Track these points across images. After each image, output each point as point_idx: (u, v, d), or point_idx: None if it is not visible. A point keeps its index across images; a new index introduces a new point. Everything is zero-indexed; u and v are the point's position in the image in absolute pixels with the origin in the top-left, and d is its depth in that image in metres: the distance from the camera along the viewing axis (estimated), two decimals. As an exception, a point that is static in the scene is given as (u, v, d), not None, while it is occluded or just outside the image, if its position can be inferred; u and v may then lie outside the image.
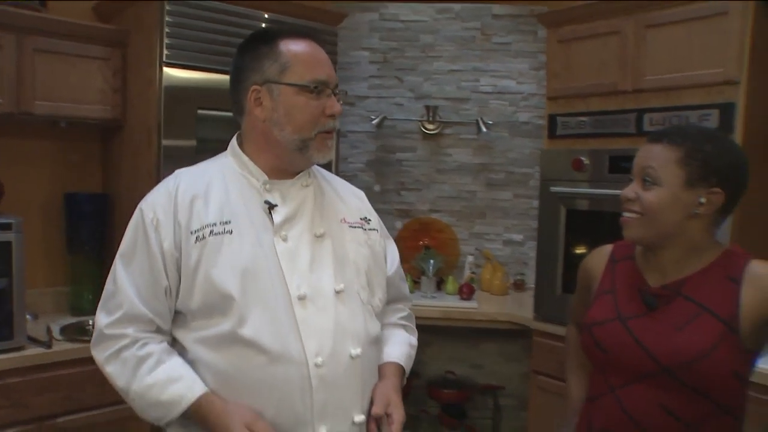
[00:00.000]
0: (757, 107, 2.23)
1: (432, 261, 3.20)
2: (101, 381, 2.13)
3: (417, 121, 3.47)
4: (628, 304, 1.30)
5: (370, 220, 1.41)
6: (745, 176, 1.26)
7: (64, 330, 2.25)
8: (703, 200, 1.22)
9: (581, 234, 2.63)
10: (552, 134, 2.72)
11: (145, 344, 1.20)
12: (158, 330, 1.23)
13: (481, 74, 3.45)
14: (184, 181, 1.27)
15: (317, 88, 1.24)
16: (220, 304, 1.19)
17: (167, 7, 2.23)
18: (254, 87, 1.25)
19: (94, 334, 1.26)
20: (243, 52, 1.30)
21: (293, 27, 1.33)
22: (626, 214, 1.28)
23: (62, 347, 2.13)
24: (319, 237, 1.28)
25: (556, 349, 2.64)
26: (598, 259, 1.46)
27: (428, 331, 2.96)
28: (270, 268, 1.21)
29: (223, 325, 1.18)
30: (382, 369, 1.35)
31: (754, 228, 2.29)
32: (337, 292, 1.25)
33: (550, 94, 2.74)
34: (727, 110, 2.18)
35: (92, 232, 2.51)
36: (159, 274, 1.21)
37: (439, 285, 3.32)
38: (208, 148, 2.41)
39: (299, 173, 1.31)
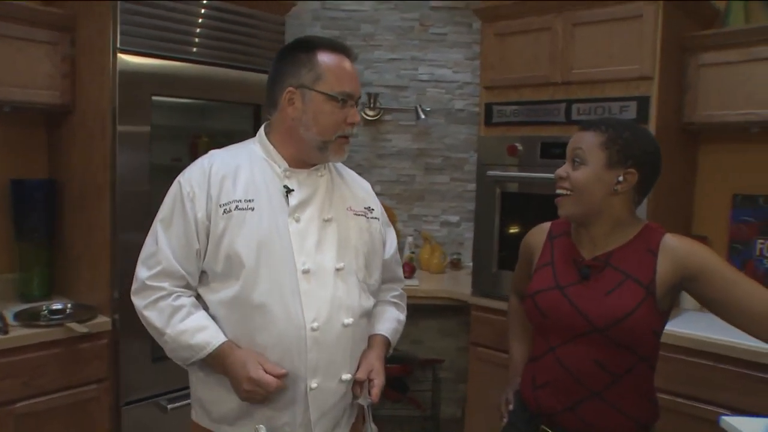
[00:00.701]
0: (667, 100, 2.50)
1: (376, 242, 3.35)
2: (60, 365, 2.21)
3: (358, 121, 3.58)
4: (565, 274, 1.50)
5: (373, 209, 1.60)
6: (658, 161, 1.47)
7: (18, 316, 2.25)
8: (620, 179, 1.42)
9: (515, 215, 2.85)
10: (488, 122, 2.91)
11: (178, 297, 1.41)
12: (188, 286, 1.43)
13: (419, 63, 3.61)
14: (217, 161, 1.45)
15: (343, 100, 1.42)
16: (236, 268, 1.38)
17: (120, -7, 2.23)
18: (289, 89, 1.43)
19: (134, 285, 1.45)
20: (284, 55, 1.47)
21: (332, 40, 1.47)
22: (559, 192, 1.47)
23: (19, 333, 2.14)
24: (327, 221, 1.46)
25: (494, 322, 2.86)
26: (538, 235, 1.65)
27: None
28: (282, 244, 1.40)
29: (237, 288, 1.38)
30: (370, 340, 1.56)
31: (666, 206, 2.57)
32: (337, 270, 1.45)
33: (486, 84, 2.92)
34: (643, 103, 2.43)
35: (41, 218, 2.50)
36: (192, 238, 1.41)
37: (381, 265, 3.47)
38: (163, 134, 2.48)
39: (315, 165, 1.49)
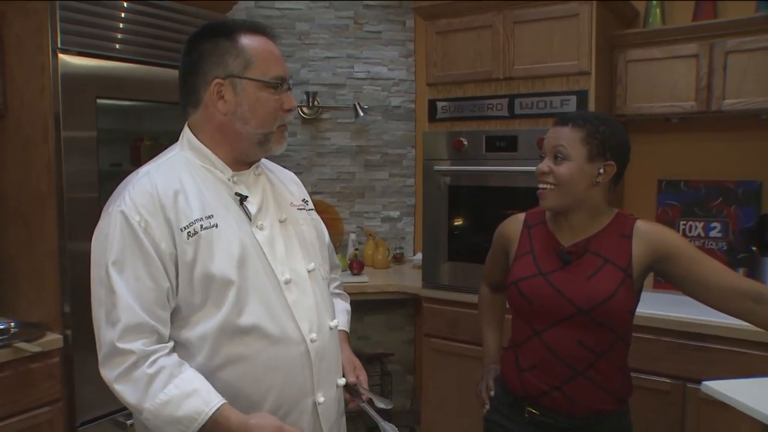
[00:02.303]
0: (602, 94, 2.68)
1: (321, 241, 3.34)
2: (7, 389, 2.06)
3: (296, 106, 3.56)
4: (546, 261, 1.58)
5: (307, 201, 1.52)
6: (629, 152, 1.58)
7: (-44, 339, 2.08)
8: (601, 171, 1.52)
9: (463, 207, 2.94)
10: (432, 117, 2.99)
11: (154, 361, 1.17)
12: (161, 338, 1.20)
13: (355, 61, 3.64)
14: (159, 179, 1.25)
15: (278, 85, 1.28)
16: (220, 292, 1.21)
17: (58, -9, 2.11)
18: (216, 80, 1.25)
19: (102, 351, 1.19)
20: (198, 44, 1.29)
21: (250, 21, 1.31)
22: (542, 186, 1.54)
23: (-37, 356, 1.98)
24: (283, 222, 1.36)
25: (445, 313, 2.95)
26: (513, 225, 1.72)
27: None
28: (257, 257, 1.27)
29: (222, 314, 1.21)
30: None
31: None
32: (309, 272, 1.36)
33: (429, 80, 2.99)
34: (582, 96, 2.59)
35: (-26, 232, 2.31)
36: (159, 277, 1.19)
37: (327, 263, 3.47)
38: (110, 138, 2.36)
39: (253, 163, 1.36)
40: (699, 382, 2.24)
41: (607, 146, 1.51)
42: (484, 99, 2.82)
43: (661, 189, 2.96)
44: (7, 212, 2.34)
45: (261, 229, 1.30)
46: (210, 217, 1.24)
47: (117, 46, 2.29)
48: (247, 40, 1.27)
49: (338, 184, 3.70)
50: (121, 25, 2.31)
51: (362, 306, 3.49)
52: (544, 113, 2.66)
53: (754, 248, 2.68)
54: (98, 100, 2.24)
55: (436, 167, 2.91)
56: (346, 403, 1.45)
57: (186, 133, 1.34)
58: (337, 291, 1.65)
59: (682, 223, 2.91)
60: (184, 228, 1.21)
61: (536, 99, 2.69)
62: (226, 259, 1.22)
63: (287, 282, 1.29)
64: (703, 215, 2.85)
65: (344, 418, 1.48)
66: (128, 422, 2.33)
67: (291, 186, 1.50)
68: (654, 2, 2.85)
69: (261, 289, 1.26)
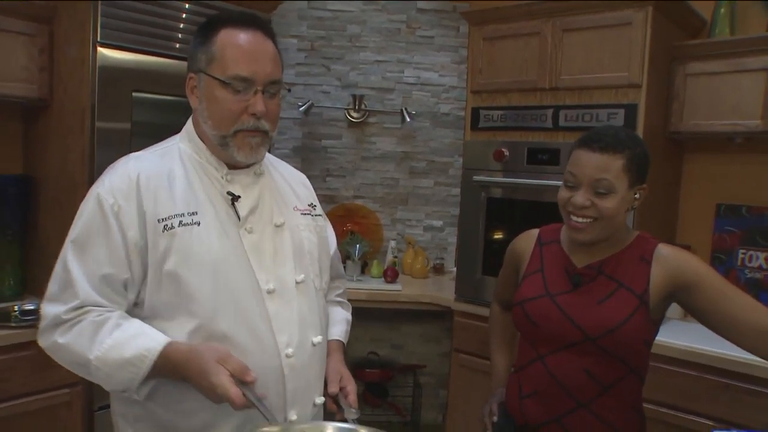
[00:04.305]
0: (654, 108, 2.50)
1: (358, 246, 3.31)
2: (29, 368, 2.13)
3: (343, 109, 3.55)
4: (556, 282, 1.47)
5: (315, 206, 1.45)
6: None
7: (-14, 317, 2.17)
8: (637, 196, 1.40)
9: (500, 220, 2.82)
10: (475, 126, 2.89)
11: (101, 313, 1.14)
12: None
13: (405, 66, 3.58)
14: (144, 166, 1.21)
15: (235, 86, 1.18)
16: (187, 301, 1.16)
17: (101, -15, 2.17)
18: (190, 74, 1.24)
19: (43, 323, 1.16)
20: (194, 36, 1.26)
21: (240, 14, 1.22)
22: (579, 220, 1.38)
23: (-14, 335, 2.06)
24: (279, 227, 1.29)
25: (477, 329, 2.83)
26: (526, 242, 1.62)
27: (353, 313, 3.07)
28: (239, 263, 1.21)
29: (190, 323, 1.15)
30: (327, 346, 1.41)
31: (651, 215, 2.56)
32: (298, 283, 1.28)
33: (473, 88, 2.90)
34: (630, 110, 2.42)
35: (15, 215, 2.41)
36: (120, 265, 1.15)
37: (364, 269, 3.44)
38: (144, 131, 2.41)
39: (252, 163, 1.28)
40: (746, 428, 2.07)
41: (643, 169, 1.39)
42: (528, 109, 2.70)
43: (719, 213, 2.74)
44: (47, 197, 2.43)
45: (249, 232, 1.24)
46: (193, 213, 1.19)
47: (155, 41, 2.34)
48: (224, 34, 1.20)
49: (381, 190, 3.65)
50: (160, 21, 2.36)
51: (398, 315, 3.43)
52: (589, 126, 2.49)
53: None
54: (134, 94, 2.29)
55: (476, 177, 2.81)
56: (334, 415, 1.38)
57: (187, 124, 1.32)
58: (339, 299, 1.57)
59: (741, 251, 2.68)
60: (162, 220, 1.17)
61: (582, 111, 2.54)
62: (200, 261, 1.17)
63: (270, 291, 1.22)
64: (766, 245, 2.62)
65: None
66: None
67: (298, 189, 1.43)
68: (722, 11, 2.64)
69: (238, 297, 1.19)
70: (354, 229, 3.53)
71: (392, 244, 3.57)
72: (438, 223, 3.67)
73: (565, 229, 1.49)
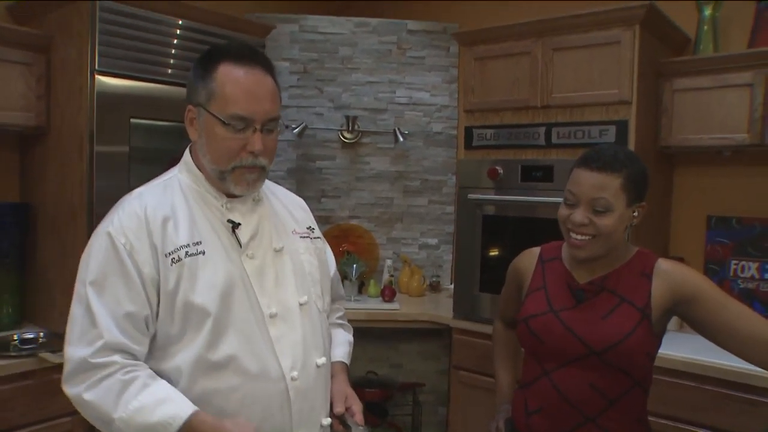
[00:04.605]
0: (644, 124, 2.55)
1: (354, 266, 3.32)
2: (31, 397, 2.11)
3: (336, 130, 3.58)
4: (559, 298, 1.49)
5: (314, 229, 1.47)
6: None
7: (-15, 347, 2.16)
8: (635, 213, 1.43)
9: (496, 237, 2.85)
10: (468, 145, 2.93)
11: (129, 371, 1.14)
12: (137, 359, 1.18)
13: (397, 86, 3.63)
14: (150, 202, 1.23)
15: (235, 125, 1.20)
16: (197, 322, 1.18)
17: (99, 14, 2.19)
18: (189, 106, 1.26)
19: (68, 368, 1.16)
20: (193, 67, 1.28)
21: (240, 48, 1.23)
22: (578, 237, 1.42)
23: (-14, 365, 2.05)
24: (278, 251, 1.31)
25: (476, 345, 2.85)
26: (528, 260, 1.64)
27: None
28: (243, 288, 1.23)
29: (198, 345, 1.17)
30: (332, 368, 1.43)
31: (644, 228, 2.60)
32: (301, 305, 1.30)
33: (466, 107, 2.94)
34: (621, 127, 2.47)
35: (12, 242, 2.41)
36: (140, 302, 1.16)
37: (361, 288, 3.45)
38: (142, 156, 2.43)
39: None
40: (744, 436, 2.09)
41: (641, 187, 1.42)
42: (521, 127, 2.75)
43: (710, 225, 2.79)
44: (45, 224, 2.43)
45: (251, 258, 1.26)
46: (198, 243, 1.21)
47: (151, 67, 2.37)
48: (224, 70, 1.21)
49: (376, 209, 3.67)
50: (153, 47, 2.39)
51: (396, 334, 3.42)
52: (581, 143, 2.56)
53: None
54: (132, 120, 2.31)
55: (470, 195, 2.85)
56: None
57: (185, 154, 1.33)
58: (340, 321, 1.59)
59: (733, 262, 2.73)
60: (169, 254, 1.19)
61: (574, 128, 2.59)
62: (209, 288, 1.19)
63: (272, 316, 1.25)
64: (757, 255, 2.66)
65: None
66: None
67: (297, 212, 1.46)
68: (706, 28, 2.71)
69: (243, 321, 1.21)
70: (350, 249, 3.54)
71: (388, 263, 3.58)
72: (433, 241, 3.70)
73: (566, 246, 1.52)
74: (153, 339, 1.21)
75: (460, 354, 2.93)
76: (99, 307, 1.15)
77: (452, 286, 3.40)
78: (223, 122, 1.20)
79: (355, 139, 3.61)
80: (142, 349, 1.18)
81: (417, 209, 3.68)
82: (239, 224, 1.27)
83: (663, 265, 1.44)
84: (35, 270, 2.48)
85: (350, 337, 1.58)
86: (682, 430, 2.23)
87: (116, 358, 1.13)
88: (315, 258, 1.40)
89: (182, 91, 2.37)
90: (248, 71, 1.21)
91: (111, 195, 2.25)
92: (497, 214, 2.83)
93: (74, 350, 1.16)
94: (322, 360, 1.32)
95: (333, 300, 1.54)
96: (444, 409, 3.45)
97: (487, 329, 2.77)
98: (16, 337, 2.27)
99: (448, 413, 3.17)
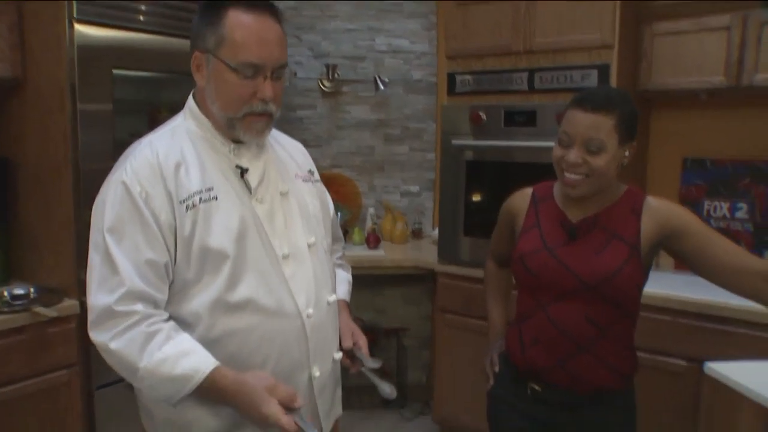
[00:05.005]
0: (625, 68, 2.59)
1: (339, 213, 3.34)
2: (26, 352, 2.12)
3: (316, 79, 3.55)
4: (553, 236, 1.55)
5: (313, 172, 1.50)
6: None
7: (-25, 301, 2.15)
8: (627, 153, 1.48)
9: (479, 182, 2.90)
10: (451, 91, 2.94)
11: (153, 323, 1.15)
12: (158, 307, 1.19)
13: (376, 33, 3.59)
14: (161, 149, 1.23)
15: (245, 71, 1.19)
16: (215, 264, 1.20)
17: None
18: (196, 52, 1.24)
19: (92, 315, 1.17)
20: (199, 12, 1.26)
21: None
22: (572, 176, 1.46)
23: (-21, 319, 2.04)
24: (284, 195, 1.34)
25: (460, 288, 2.93)
26: (520, 200, 1.69)
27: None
28: (255, 230, 1.26)
29: (217, 287, 1.20)
30: None
31: (622, 170, 2.67)
32: (309, 246, 1.34)
33: (448, 53, 2.94)
34: (603, 70, 2.51)
35: (-7, 199, 2.37)
36: (159, 249, 1.18)
37: (345, 236, 3.48)
38: (128, 108, 2.38)
39: None
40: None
41: (632, 127, 1.46)
42: (504, 72, 2.76)
43: (685, 167, 2.88)
44: (27, 180, 2.39)
45: (261, 202, 1.28)
46: (210, 189, 1.23)
47: (134, 16, 2.29)
48: (233, 16, 1.20)
49: (358, 158, 3.68)
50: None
51: (379, 280, 3.49)
52: (564, 87, 2.60)
53: (781, 230, 2.60)
54: (114, 71, 2.25)
55: (455, 141, 2.88)
56: (347, 370, 1.44)
57: (189, 101, 1.32)
58: (339, 262, 1.64)
59: (707, 203, 2.83)
60: (183, 201, 1.20)
61: (557, 73, 2.62)
62: (224, 232, 1.21)
63: (285, 256, 1.28)
64: (729, 195, 2.77)
65: (339, 389, 1.49)
66: (143, 387, 2.39)
67: (297, 156, 1.48)
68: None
69: (258, 263, 1.24)
70: (334, 198, 3.55)
71: (371, 211, 3.62)
72: (415, 189, 3.74)
73: (558, 185, 1.57)
74: (170, 285, 1.22)
75: (445, 297, 3.02)
76: (118, 254, 1.16)
77: (434, 233, 3.46)
78: (234, 69, 1.19)
79: (335, 88, 3.58)
80: (162, 296, 1.20)
81: (398, 157, 3.70)
82: (247, 169, 1.28)
83: (651, 202, 1.51)
84: (19, 226, 2.45)
85: (350, 277, 1.64)
86: (659, 362, 2.36)
87: (139, 306, 1.15)
88: (317, 200, 1.44)
89: (164, 39, 2.38)
90: (258, 17, 1.20)
91: (97, 149, 2.25)
92: (480, 160, 2.87)
93: (96, 298, 1.16)
94: (332, 297, 1.38)
95: (333, 241, 1.58)
96: (427, 353, 3.57)
97: (471, 272, 2.86)
98: (6, 293, 2.25)
99: (432, 356, 3.27)
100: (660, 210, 1.49)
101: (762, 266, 1.40)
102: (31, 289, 2.31)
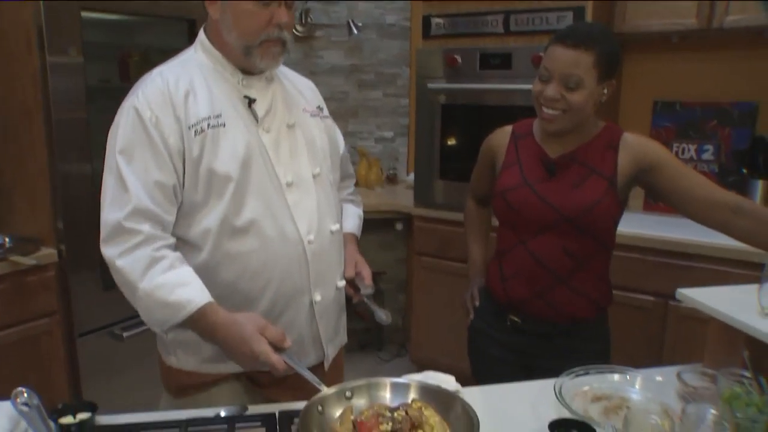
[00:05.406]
0: (599, 9, 2.60)
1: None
2: (5, 300, 2.11)
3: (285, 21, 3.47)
4: (533, 172, 1.59)
5: (323, 108, 1.54)
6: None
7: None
8: (605, 91, 1.50)
9: (454, 126, 2.92)
10: (426, 34, 2.92)
11: (160, 247, 1.22)
12: (165, 229, 1.25)
13: (349, -24, 3.51)
14: (170, 78, 1.28)
15: None
16: (220, 187, 1.26)
17: None
18: None
19: (104, 231, 1.23)
20: None
21: None
22: (549, 111, 1.49)
23: (-41, 267, 2.02)
24: (291, 127, 1.39)
25: (436, 231, 2.99)
26: (500, 137, 1.72)
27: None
28: (260, 157, 1.31)
29: (221, 209, 1.26)
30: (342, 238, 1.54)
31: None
32: (314, 176, 1.39)
33: (423, -5, 2.91)
34: (579, 12, 2.51)
35: (-38, 147, 2.30)
36: (168, 172, 1.24)
37: (320, 183, 3.48)
38: (98, 53, 2.32)
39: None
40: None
41: (612, 65, 1.48)
42: (479, 15, 2.75)
43: (656, 110, 2.93)
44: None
45: (267, 131, 1.33)
46: (218, 116, 1.28)
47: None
48: None
49: (331, 104, 3.57)
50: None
51: (355, 226, 3.52)
52: (539, 30, 2.60)
53: (744, 171, 2.68)
54: (83, 13, 2.18)
55: (430, 85, 2.88)
56: (350, 298, 1.50)
57: (200, 34, 1.37)
58: (350, 197, 1.69)
59: (675, 145, 2.90)
60: (192, 126, 1.25)
61: (532, 15, 2.62)
62: (230, 157, 1.26)
63: (289, 184, 1.33)
64: (696, 137, 2.84)
65: (344, 317, 1.54)
66: (124, 334, 2.41)
67: (306, 92, 1.52)
68: None
69: (262, 189, 1.30)
70: (308, 145, 3.55)
71: (346, 157, 3.61)
72: (389, 134, 3.74)
73: (538, 122, 1.60)
74: (179, 208, 1.28)
75: (422, 240, 3.07)
76: (128, 173, 1.22)
77: (409, 178, 3.49)
78: None
79: (308, 33, 3.51)
80: (169, 218, 1.26)
81: (372, 102, 3.68)
82: (255, 100, 1.33)
83: (628, 137, 1.55)
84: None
85: (360, 212, 1.69)
86: (629, 298, 2.47)
87: (146, 226, 1.21)
88: (325, 135, 1.48)
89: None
90: None
91: (68, 95, 2.20)
92: (455, 103, 2.88)
93: (107, 214, 1.23)
94: (335, 226, 1.42)
95: (343, 178, 1.63)
96: (403, 296, 3.65)
97: (446, 215, 2.91)
98: (-18, 241, 2.22)
99: (408, 299, 3.34)
100: (636, 145, 1.53)
101: (731, 199, 1.47)
102: (6, 239, 2.28)
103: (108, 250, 1.22)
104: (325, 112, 1.54)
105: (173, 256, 1.23)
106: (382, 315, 1.44)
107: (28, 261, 2.12)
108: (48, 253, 2.23)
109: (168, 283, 1.19)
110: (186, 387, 1.39)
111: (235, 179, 1.26)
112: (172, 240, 1.26)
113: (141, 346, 2.45)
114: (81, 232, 2.29)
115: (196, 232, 1.28)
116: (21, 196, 2.32)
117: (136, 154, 1.23)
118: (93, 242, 2.33)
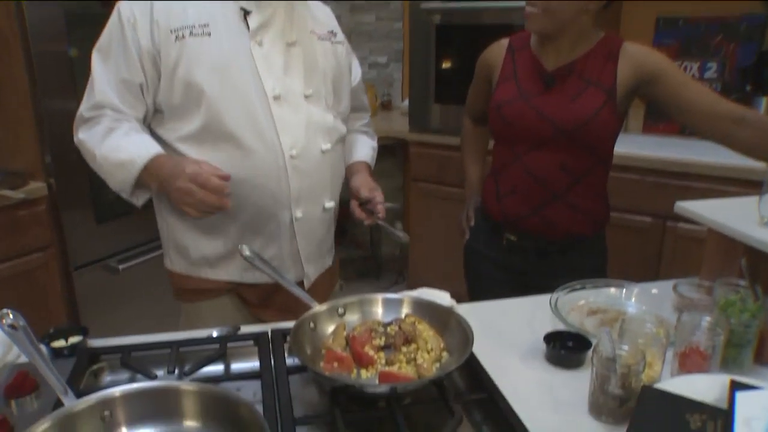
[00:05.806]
0: None
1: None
2: (2, 234, 2.08)
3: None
4: (529, 84, 1.53)
5: (336, 33, 1.48)
6: None
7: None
8: None
9: (449, 48, 2.83)
10: (419, -50, 2.79)
11: (119, 119, 1.28)
12: (128, 119, 1.29)
13: None
14: None
15: None
16: (196, 99, 1.26)
17: None
18: None
19: (75, 122, 1.32)
20: None
21: None
22: (529, 9, 1.44)
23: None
24: (291, 45, 1.34)
25: (433, 156, 2.94)
26: (497, 51, 1.65)
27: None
28: (247, 69, 1.28)
29: (200, 119, 1.27)
30: (354, 166, 1.55)
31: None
32: (306, 97, 1.35)
33: None
34: None
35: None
36: (134, 71, 1.26)
37: (314, 112, 3.41)
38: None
39: None
40: (678, 219, 2.31)
41: None
42: (474, -74, 2.61)
43: (658, 27, 2.83)
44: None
45: (260, 44, 1.30)
46: (205, 25, 1.27)
47: None
48: None
49: (322, 29, 3.53)
50: None
51: (350, 155, 3.47)
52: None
53: (748, 87, 2.61)
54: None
55: (424, 5, 2.76)
56: (359, 222, 1.48)
57: None
58: (365, 129, 1.67)
59: (677, 63, 2.81)
60: (173, 30, 1.25)
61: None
62: (209, 68, 1.25)
63: (276, 97, 1.30)
64: (699, 54, 2.75)
65: (331, 239, 1.53)
66: (120, 267, 2.40)
67: (318, 14, 1.46)
68: None
69: (246, 101, 1.28)
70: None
71: (339, 85, 3.53)
72: (383, 60, 3.64)
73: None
74: (160, 113, 1.31)
75: (418, 166, 3.03)
76: (99, 72, 1.28)
77: (403, 104, 3.42)
78: None
79: (295, -48, 3.35)
80: (133, 113, 1.30)
81: (365, 27, 3.56)
82: (250, 12, 1.30)
83: (628, 47, 1.48)
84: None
85: (374, 143, 1.66)
86: (627, 219, 2.45)
87: (107, 111, 1.28)
88: (333, 60, 1.43)
89: None
90: None
91: (47, 26, 2.11)
92: (450, 23, 2.78)
93: (80, 108, 1.31)
94: (327, 146, 1.39)
95: (356, 109, 1.60)
96: (400, 224, 3.64)
97: (442, 140, 2.86)
98: (-31, 180, 2.18)
99: (406, 227, 3.33)
100: (637, 55, 1.47)
101: (734, 110, 1.41)
102: (-6, 173, 2.24)
103: (76, 136, 1.31)
104: (339, 37, 1.48)
105: (130, 125, 1.29)
106: (400, 234, 1.43)
107: (16, 195, 2.09)
108: (37, 187, 2.19)
109: (121, 145, 1.25)
110: (183, 291, 1.45)
111: (210, 91, 1.26)
112: (134, 120, 1.30)
113: (137, 278, 2.45)
114: (71, 167, 2.25)
115: (175, 137, 1.31)
116: (6, 130, 2.26)
117: (111, 53, 1.27)
118: (84, 177, 2.31)
